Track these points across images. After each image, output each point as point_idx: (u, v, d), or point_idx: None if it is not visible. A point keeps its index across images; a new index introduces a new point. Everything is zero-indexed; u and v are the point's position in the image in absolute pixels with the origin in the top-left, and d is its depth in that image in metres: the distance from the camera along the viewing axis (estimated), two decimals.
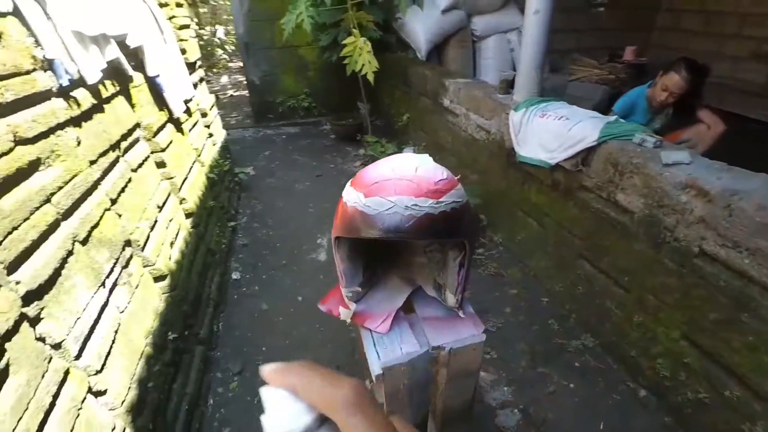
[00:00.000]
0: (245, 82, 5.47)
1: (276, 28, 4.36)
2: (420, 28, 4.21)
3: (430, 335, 1.03)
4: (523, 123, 2.35)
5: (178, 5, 2.98)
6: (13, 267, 1.05)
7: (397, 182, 0.88)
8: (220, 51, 8.60)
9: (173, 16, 2.84)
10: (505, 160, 2.65)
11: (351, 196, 0.93)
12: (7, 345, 0.97)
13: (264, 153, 4.52)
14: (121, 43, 1.90)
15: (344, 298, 1.07)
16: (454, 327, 1.05)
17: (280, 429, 0.26)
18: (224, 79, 8.07)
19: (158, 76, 2.27)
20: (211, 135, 3.33)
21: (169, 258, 1.99)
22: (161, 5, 2.67)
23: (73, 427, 1.09)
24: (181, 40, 2.92)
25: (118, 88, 1.89)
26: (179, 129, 2.63)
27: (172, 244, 2.09)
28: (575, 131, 2.02)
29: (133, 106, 2.05)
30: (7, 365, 0.96)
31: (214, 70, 8.52)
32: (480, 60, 4.56)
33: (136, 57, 2.12)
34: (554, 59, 4.84)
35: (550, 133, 2.17)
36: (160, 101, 2.38)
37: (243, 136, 4.99)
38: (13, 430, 0.91)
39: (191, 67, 3.14)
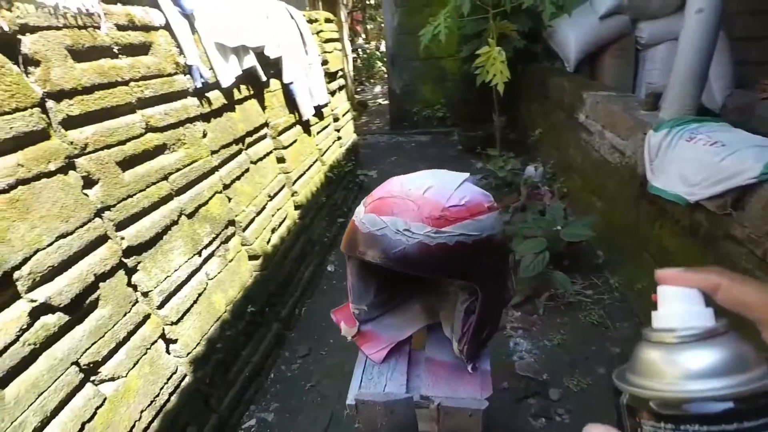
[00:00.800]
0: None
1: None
2: (572, 36, 3.80)
3: (426, 382, 0.89)
4: (662, 146, 1.91)
5: (327, 21, 3.35)
6: (121, 226, 1.34)
7: (399, 201, 0.79)
8: (379, 63, 9.35)
9: (320, 31, 3.21)
10: (637, 189, 2.19)
11: (358, 209, 0.88)
12: (101, 284, 1.24)
13: (391, 158, 4.73)
14: (262, 54, 2.24)
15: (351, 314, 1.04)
16: (455, 381, 0.88)
17: (680, 323, 0.24)
18: (377, 88, 8.74)
19: (292, 83, 2.59)
20: (339, 138, 3.64)
21: (267, 242, 2.26)
22: (310, 21, 3.04)
23: (138, 361, 1.34)
24: (325, 52, 3.28)
25: (251, 92, 2.23)
26: (307, 130, 2.95)
27: (274, 230, 2.36)
28: (728, 162, 1.55)
29: (264, 107, 2.40)
30: (97, 299, 1.23)
31: (372, 80, 9.28)
32: (643, 71, 3.87)
33: (276, 66, 2.46)
34: (742, 72, 3.78)
35: (695, 161, 1.71)
36: (292, 105, 2.71)
37: (377, 141, 5.34)
38: (86, 350, 1.17)
39: (332, 76, 3.50)
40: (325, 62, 3.27)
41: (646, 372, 0.24)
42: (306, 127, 2.94)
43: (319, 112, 3.16)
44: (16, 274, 1.00)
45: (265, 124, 2.40)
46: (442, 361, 0.93)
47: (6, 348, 0.96)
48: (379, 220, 0.78)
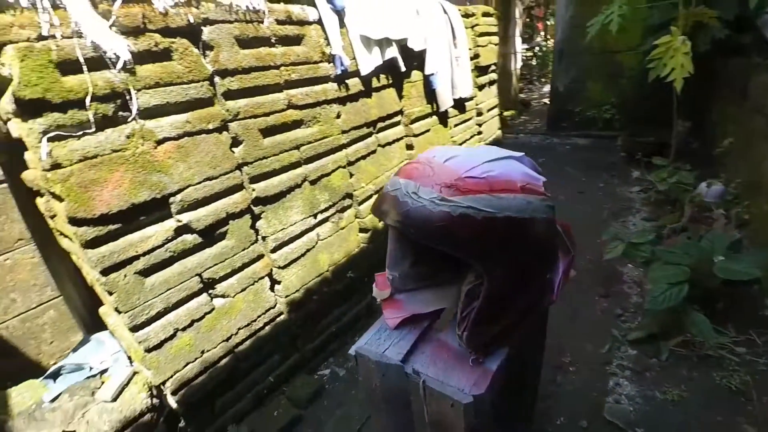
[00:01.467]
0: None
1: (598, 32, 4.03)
2: None
3: (425, 358, 0.88)
4: None
5: (486, 15, 3.31)
6: (254, 180, 1.68)
7: (419, 166, 0.79)
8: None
9: (476, 24, 3.20)
10: None
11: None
12: (230, 221, 1.60)
13: (539, 160, 4.34)
14: (405, 46, 2.40)
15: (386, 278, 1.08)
16: (452, 367, 0.84)
17: None
18: (546, 88, 8.08)
19: (433, 74, 2.69)
20: (479, 133, 3.59)
21: (380, 219, 2.44)
22: (466, 15, 3.07)
23: (245, 288, 1.67)
24: (478, 45, 3.26)
25: (390, 81, 2.42)
26: (443, 121, 3.02)
27: None
28: None
29: (402, 96, 2.57)
30: (225, 232, 1.59)
31: (543, 79, 8.63)
32: None
33: (419, 57, 2.60)
34: None
35: None
36: (431, 96, 2.81)
37: (529, 141, 5.01)
38: (209, 268, 1.53)
39: (483, 70, 3.46)
40: (476, 56, 3.25)
41: None
42: (443, 118, 3.01)
43: (461, 104, 3.19)
44: (171, 199, 1.39)
45: (400, 112, 2.57)
46: (451, 346, 0.90)
47: (154, 249, 1.36)
48: (397, 181, 0.79)
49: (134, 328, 1.35)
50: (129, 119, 1.27)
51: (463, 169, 0.74)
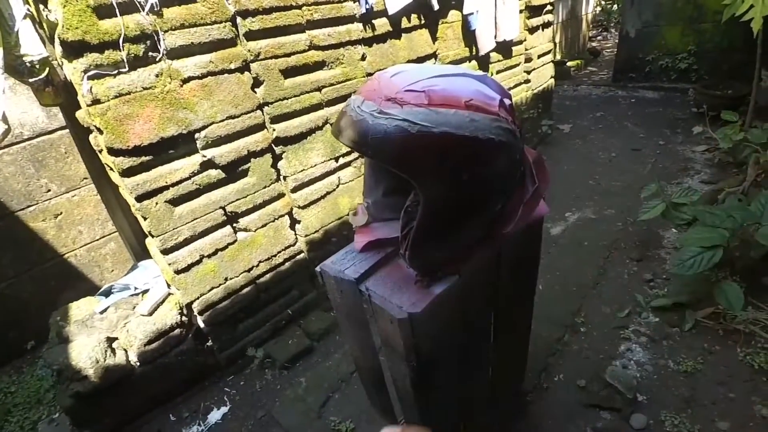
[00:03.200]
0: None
1: None
2: None
3: (378, 279, 0.91)
4: None
5: None
6: (275, 120, 1.76)
7: (370, 82, 0.77)
8: None
9: None
10: None
11: None
12: (252, 159, 1.71)
13: (596, 114, 4.05)
14: None
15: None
16: (399, 288, 0.87)
17: None
18: None
19: (472, 14, 2.52)
20: (527, 81, 3.36)
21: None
22: None
23: (266, 224, 1.81)
24: None
25: (422, 21, 2.31)
26: (483, 67, 2.86)
27: None
28: None
29: (436, 38, 2.46)
30: (247, 169, 1.71)
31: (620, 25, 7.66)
32: None
33: None
34: None
35: None
36: (471, 38, 2.66)
37: (590, 93, 4.58)
38: (232, 202, 1.67)
39: (535, 11, 3.16)
40: None
41: None
42: (483, 62, 2.85)
43: (506, 48, 2.98)
44: (196, 135, 1.52)
45: (433, 55, 2.48)
46: (405, 270, 0.92)
47: (182, 180, 1.51)
48: (350, 98, 0.78)
49: (165, 251, 1.55)
50: (157, 59, 1.38)
51: (406, 82, 0.72)
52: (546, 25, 3.36)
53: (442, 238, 0.83)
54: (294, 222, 1.96)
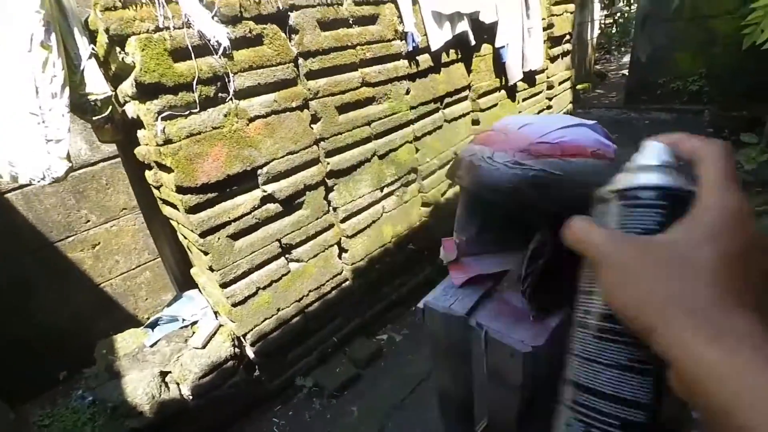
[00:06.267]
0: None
1: None
2: None
3: (487, 313, 0.96)
4: None
5: None
6: (329, 154, 1.81)
7: (494, 134, 0.82)
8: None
9: None
10: None
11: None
12: (308, 192, 1.75)
13: (613, 136, 4.07)
14: (476, 20, 2.35)
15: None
16: (513, 322, 0.91)
17: (644, 161, 0.33)
18: (626, 58, 7.38)
19: (503, 47, 2.61)
20: (549, 107, 3.45)
21: (442, 194, 2.51)
22: None
23: (317, 254, 1.84)
24: (552, 15, 3.08)
25: (459, 56, 2.39)
26: (511, 95, 2.95)
27: (451, 185, 2.58)
28: None
29: (470, 71, 2.54)
30: (303, 202, 1.74)
31: (623, 48, 7.89)
32: None
33: (490, 30, 2.53)
34: None
35: None
36: (500, 69, 2.74)
37: (602, 116, 4.66)
38: (287, 234, 1.70)
39: (556, 41, 3.27)
40: (549, 26, 3.08)
41: (612, 182, 0.34)
42: (511, 91, 2.93)
43: (531, 78, 3.07)
44: (259, 171, 1.56)
45: (468, 87, 2.55)
46: (513, 305, 0.96)
47: (243, 215, 1.54)
48: (472, 148, 0.84)
49: (224, 285, 1.57)
50: (227, 99, 1.43)
51: (536, 135, 0.78)
52: (565, 53, 3.47)
53: (557, 275, 0.87)
54: (342, 251, 1.99)
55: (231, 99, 1.45)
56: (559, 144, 0.76)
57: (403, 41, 2.00)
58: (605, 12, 7.76)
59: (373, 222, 2.08)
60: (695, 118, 4.10)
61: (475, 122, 2.70)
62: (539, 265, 0.83)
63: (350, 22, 1.75)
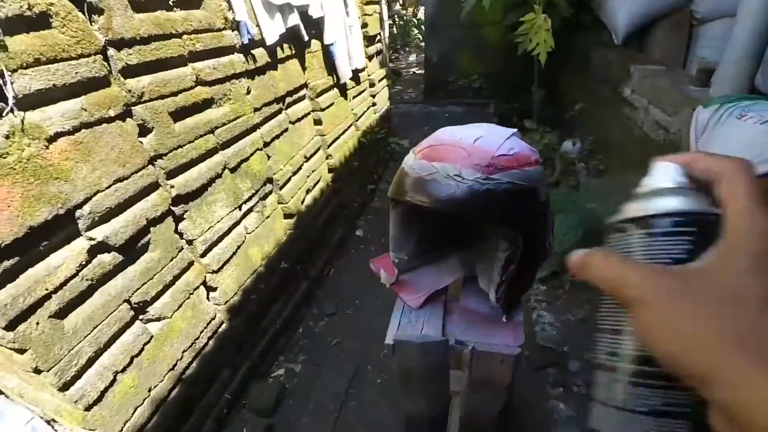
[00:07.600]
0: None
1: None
2: (620, 6, 3.55)
3: (461, 327, 0.95)
4: (711, 123, 1.81)
5: None
6: (171, 174, 1.40)
7: (450, 149, 0.81)
8: (415, 31, 9.05)
9: None
10: None
11: (407, 157, 0.91)
12: (152, 228, 1.32)
13: (424, 128, 4.64)
14: (305, 14, 2.21)
15: (392, 263, 1.07)
16: (488, 328, 0.92)
17: (658, 185, 0.30)
18: (412, 57, 8.50)
19: (333, 44, 2.56)
20: (374, 104, 3.61)
21: (302, 202, 2.31)
22: None
23: (181, 304, 1.43)
24: (365, 14, 3.20)
25: (293, 51, 2.22)
26: (343, 94, 2.93)
27: (308, 191, 2.41)
28: None
29: (305, 68, 2.39)
30: (148, 242, 1.31)
31: (407, 48, 9.03)
32: (695, 48, 3.60)
33: (317, 26, 2.43)
34: None
35: (744, 139, 1.62)
36: (331, 67, 2.69)
37: (410, 110, 5.25)
38: (137, 289, 1.25)
39: (371, 40, 3.42)
40: (364, 25, 3.19)
41: (626, 210, 0.31)
42: (343, 90, 2.92)
43: (356, 76, 3.12)
44: (77, 213, 1.08)
45: (305, 85, 2.41)
46: (476, 310, 0.96)
47: (66, 281, 1.05)
48: (429, 166, 0.81)
49: (65, 387, 1.04)
50: (3, 112, 0.92)
51: (494, 148, 0.80)
52: (378, 53, 3.66)
53: (528, 279, 0.89)
54: (209, 291, 1.60)
55: (12, 110, 0.93)
56: (514, 155, 0.79)
57: (236, 32, 1.71)
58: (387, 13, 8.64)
59: (238, 247, 1.75)
60: (483, 110, 4.97)
61: (318, 122, 2.58)
62: (512, 271, 0.86)
63: (170, 3, 1.38)
